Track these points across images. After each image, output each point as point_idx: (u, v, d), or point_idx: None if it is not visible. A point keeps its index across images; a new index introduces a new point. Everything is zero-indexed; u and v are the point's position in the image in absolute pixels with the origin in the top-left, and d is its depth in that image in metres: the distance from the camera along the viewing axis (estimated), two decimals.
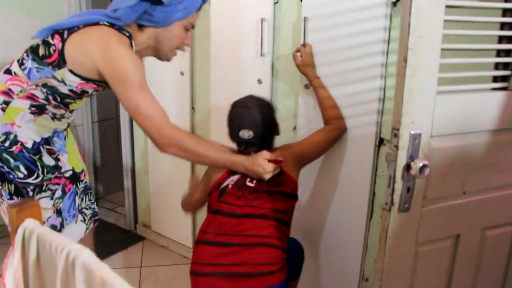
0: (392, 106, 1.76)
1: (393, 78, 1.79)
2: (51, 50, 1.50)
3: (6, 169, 1.60)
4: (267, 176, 1.61)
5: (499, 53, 1.45)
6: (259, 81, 2.22)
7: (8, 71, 1.57)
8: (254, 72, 2.21)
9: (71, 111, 1.71)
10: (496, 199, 1.50)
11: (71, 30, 1.50)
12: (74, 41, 1.49)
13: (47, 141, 1.70)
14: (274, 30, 2.13)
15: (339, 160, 1.98)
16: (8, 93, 1.56)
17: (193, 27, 1.69)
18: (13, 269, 0.92)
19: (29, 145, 1.62)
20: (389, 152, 1.22)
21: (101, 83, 1.57)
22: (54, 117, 1.65)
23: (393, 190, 1.24)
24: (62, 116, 1.68)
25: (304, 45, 1.96)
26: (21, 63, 1.54)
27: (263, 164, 1.59)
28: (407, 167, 1.22)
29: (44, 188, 1.68)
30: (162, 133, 1.50)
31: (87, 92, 1.60)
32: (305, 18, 1.95)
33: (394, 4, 1.74)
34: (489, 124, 1.39)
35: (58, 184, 1.74)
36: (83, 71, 1.51)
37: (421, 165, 1.20)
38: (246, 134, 1.74)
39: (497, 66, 1.45)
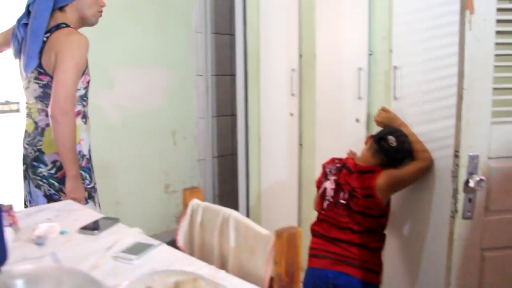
0: None
1: None
2: None
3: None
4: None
5: None
6: (357, 120, 2.60)
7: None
8: (353, 113, 2.60)
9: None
10: None
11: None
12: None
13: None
14: (369, 77, 2.54)
15: (430, 189, 2.21)
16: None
17: None
18: (184, 230, 1.43)
19: (87, 154, 2.07)
20: (452, 169, 1.55)
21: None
22: (84, 116, 2.07)
23: (456, 200, 1.56)
24: (86, 110, 2.09)
25: (383, 109, 2.32)
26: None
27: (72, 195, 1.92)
28: (467, 182, 1.54)
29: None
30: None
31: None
32: (394, 67, 2.34)
33: None
34: None
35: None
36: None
37: (478, 179, 1.51)
38: (392, 141, 2.06)
39: None
